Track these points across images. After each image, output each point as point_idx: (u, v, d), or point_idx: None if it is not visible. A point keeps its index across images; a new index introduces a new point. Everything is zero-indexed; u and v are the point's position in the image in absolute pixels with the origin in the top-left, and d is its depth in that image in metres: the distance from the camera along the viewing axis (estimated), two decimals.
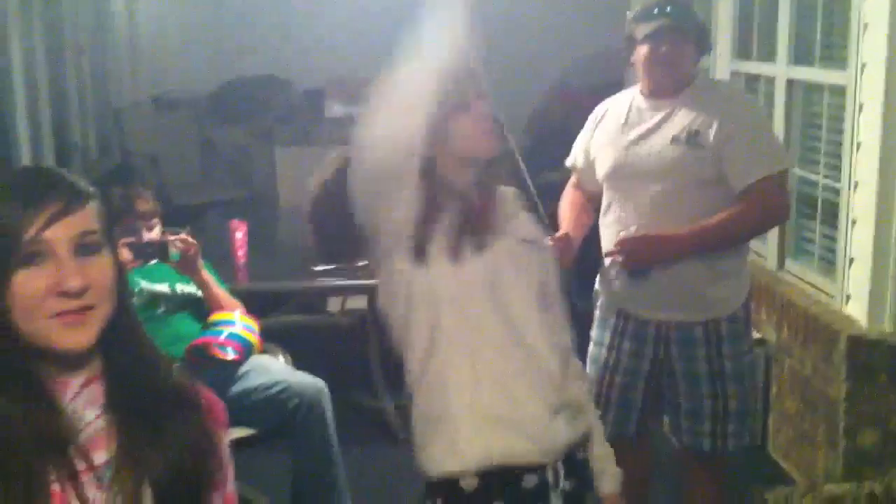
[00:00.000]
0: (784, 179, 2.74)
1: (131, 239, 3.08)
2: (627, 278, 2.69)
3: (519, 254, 1.84)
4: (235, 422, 2.94)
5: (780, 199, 2.71)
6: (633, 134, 2.68)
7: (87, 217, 1.20)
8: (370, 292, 4.04)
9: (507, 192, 1.97)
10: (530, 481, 1.81)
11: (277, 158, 5.50)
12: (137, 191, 3.18)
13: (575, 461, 1.88)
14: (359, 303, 4.27)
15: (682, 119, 2.64)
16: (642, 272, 2.64)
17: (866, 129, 3.26)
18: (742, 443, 2.84)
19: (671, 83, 2.67)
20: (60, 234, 1.17)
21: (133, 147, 6.58)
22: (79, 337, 1.18)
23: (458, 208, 1.81)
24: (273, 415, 3.02)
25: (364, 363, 4.07)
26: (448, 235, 1.79)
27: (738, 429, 2.78)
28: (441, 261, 1.78)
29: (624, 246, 2.62)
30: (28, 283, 1.16)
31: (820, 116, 3.75)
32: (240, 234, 3.92)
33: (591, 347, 2.84)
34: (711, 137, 2.58)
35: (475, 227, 1.81)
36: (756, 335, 3.83)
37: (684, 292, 2.68)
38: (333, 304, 4.46)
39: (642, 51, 2.66)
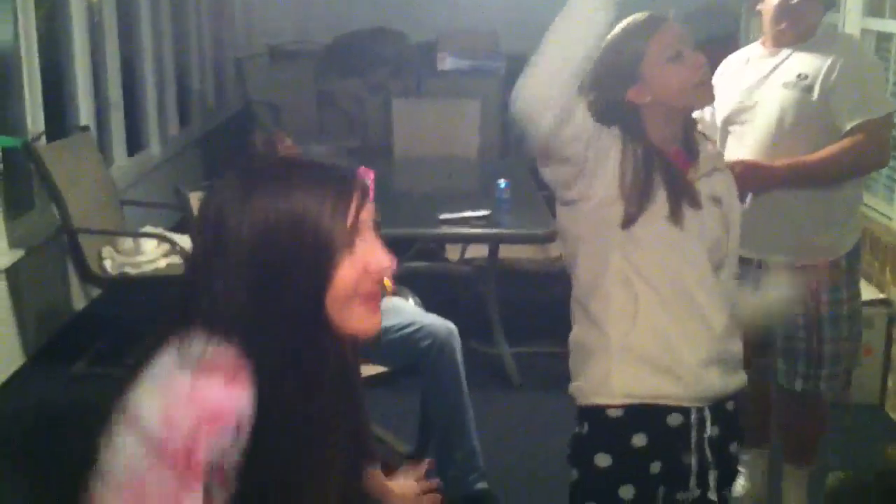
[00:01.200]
0: (887, 124, 2.74)
1: None
2: None
3: (704, 213, 1.91)
4: (371, 360, 3.13)
5: (880, 142, 2.70)
6: (748, 81, 2.74)
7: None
8: (492, 241, 4.15)
9: (708, 146, 2.03)
10: (675, 420, 1.90)
11: (393, 109, 5.60)
12: (280, 135, 3.31)
13: (724, 411, 1.96)
14: (478, 251, 4.36)
15: (794, 65, 2.68)
16: (743, 197, 2.65)
17: None
18: (836, 386, 2.89)
19: (794, 34, 2.70)
20: (366, 217, 1.19)
21: (253, 95, 6.78)
22: (377, 320, 1.21)
23: (667, 166, 1.87)
24: (406, 354, 3.15)
25: (482, 311, 4.18)
26: (659, 194, 1.86)
27: (833, 372, 2.82)
28: (649, 216, 1.86)
29: (743, 170, 2.59)
30: (349, 268, 1.15)
31: None
32: (367, 181, 4.04)
33: None
34: (820, 81, 2.63)
35: (684, 187, 1.87)
36: (880, 295, 3.83)
37: (788, 234, 2.73)
38: (452, 253, 4.57)
39: (770, 2, 2.69)
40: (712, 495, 1.92)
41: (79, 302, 4.79)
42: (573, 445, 1.97)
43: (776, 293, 2.16)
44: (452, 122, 5.52)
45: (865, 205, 3.86)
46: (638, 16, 1.95)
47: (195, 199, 3.45)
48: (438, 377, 3.16)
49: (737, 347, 1.98)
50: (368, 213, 1.18)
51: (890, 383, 3.86)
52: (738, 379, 1.98)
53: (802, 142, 2.67)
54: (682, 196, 1.87)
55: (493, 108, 6.20)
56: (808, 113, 2.65)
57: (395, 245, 3.79)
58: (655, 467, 1.89)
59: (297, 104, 6.50)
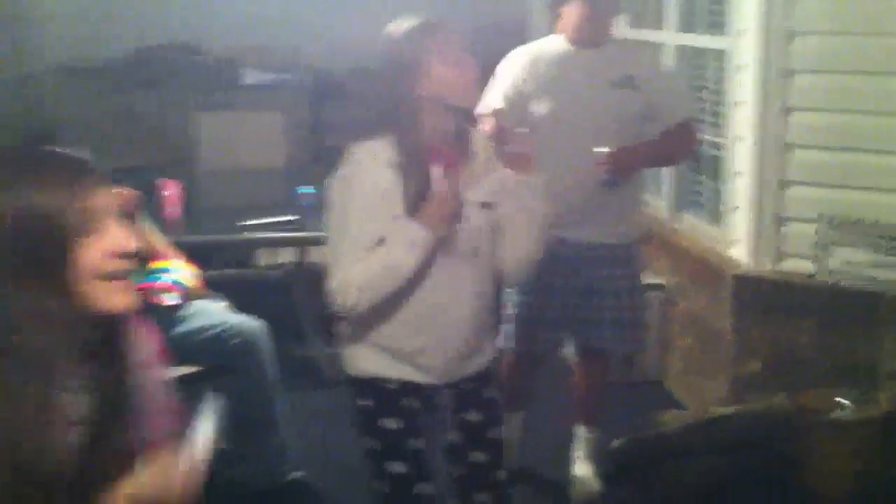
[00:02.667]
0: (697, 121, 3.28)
1: None
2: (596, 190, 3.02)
3: (477, 217, 2.15)
4: (180, 361, 3.20)
5: (698, 135, 3.25)
6: (572, 77, 3.02)
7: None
8: (300, 245, 4.28)
9: (480, 140, 2.24)
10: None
11: (198, 123, 5.64)
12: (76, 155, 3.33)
13: (468, 390, 2.27)
14: (287, 256, 4.49)
15: (613, 66, 3.03)
16: (615, 183, 2.98)
17: (744, 89, 3.64)
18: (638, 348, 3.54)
19: (599, 36, 3.03)
20: (104, 202, 1.27)
21: (47, 114, 6.60)
22: (127, 298, 1.29)
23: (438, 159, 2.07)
24: (216, 353, 3.25)
25: (294, 314, 4.31)
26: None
27: (635, 335, 3.33)
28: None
29: (612, 158, 2.91)
30: (90, 249, 1.24)
31: (705, 79, 4.13)
32: (167, 192, 4.09)
33: None
34: (642, 83, 3.00)
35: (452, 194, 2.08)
36: (653, 280, 4.24)
37: (610, 221, 3.10)
38: (262, 258, 4.68)
39: (574, 11, 3.01)
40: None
41: None
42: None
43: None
44: (256, 134, 5.62)
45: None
46: (415, 18, 2.15)
47: None
48: (248, 374, 3.28)
49: (482, 333, 2.26)
50: (107, 199, 1.26)
51: (667, 361, 4.26)
52: (481, 360, 2.28)
53: (628, 134, 3.03)
54: (445, 211, 2.08)
55: (298, 120, 6.33)
56: (635, 108, 3.02)
57: (202, 254, 3.84)
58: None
59: (95, 120, 6.39)
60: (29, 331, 1.21)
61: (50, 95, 6.62)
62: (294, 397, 3.48)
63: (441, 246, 2.09)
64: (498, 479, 2.30)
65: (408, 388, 2.19)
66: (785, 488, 3.33)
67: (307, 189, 4.27)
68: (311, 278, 4.51)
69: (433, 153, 2.07)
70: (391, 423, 2.18)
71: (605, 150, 2.93)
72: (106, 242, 1.25)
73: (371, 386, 2.20)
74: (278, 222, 4.05)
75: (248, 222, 4.02)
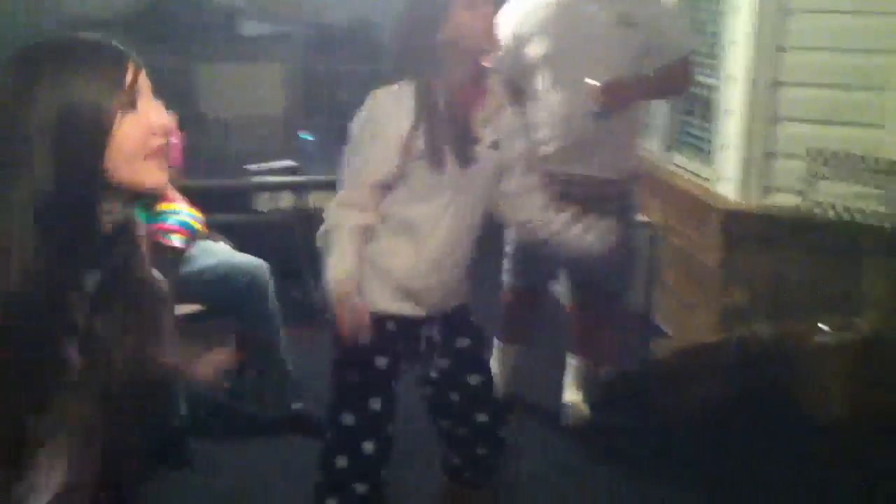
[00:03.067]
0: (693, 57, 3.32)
1: None
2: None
3: (488, 158, 2.22)
4: (187, 300, 3.32)
5: (692, 70, 3.30)
6: (571, 18, 3.10)
7: None
8: (298, 191, 4.39)
9: (496, 84, 2.30)
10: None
11: (198, 74, 5.74)
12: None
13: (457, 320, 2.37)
14: (287, 201, 4.59)
15: (613, 5, 3.08)
16: (605, 115, 3.05)
17: (740, 29, 3.72)
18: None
19: None
20: (142, 84, 1.32)
21: None
22: (164, 176, 1.35)
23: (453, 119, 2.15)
24: (221, 292, 3.36)
25: (293, 257, 4.41)
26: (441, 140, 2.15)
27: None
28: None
29: (603, 89, 2.98)
30: (132, 126, 1.29)
31: (701, 22, 4.20)
32: (174, 140, 4.18)
33: None
34: (640, 20, 3.08)
35: (467, 133, 2.17)
36: (644, 218, 4.34)
37: (609, 156, 3.20)
38: (262, 203, 4.78)
39: None
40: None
41: None
42: None
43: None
44: (255, 85, 5.72)
45: None
46: None
47: None
48: (252, 311, 3.40)
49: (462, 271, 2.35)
50: (145, 81, 1.34)
51: (657, 297, 4.38)
52: (462, 294, 2.38)
53: (627, 73, 3.10)
54: (462, 150, 2.17)
55: (295, 70, 6.41)
56: (635, 47, 3.09)
57: (204, 198, 3.94)
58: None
59: None
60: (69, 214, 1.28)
61: None
62: (292, 336, 3.60)
63: (454, 190, 2.18)
64: (494, 398, 2.41)
65: (402, 322, 2.27)
66: (771, 411, 3.46)
67: (306, 135, 4.37)
68: (310, 222, 4.62)
69: (453, 96, 2.15)
70: (380, 362, 2.26)
71: (596, 82, 3.00)
72: (145, 121, 1.31)
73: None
74: (278, 168, 4.16)
75: (250, 167, 4.13)
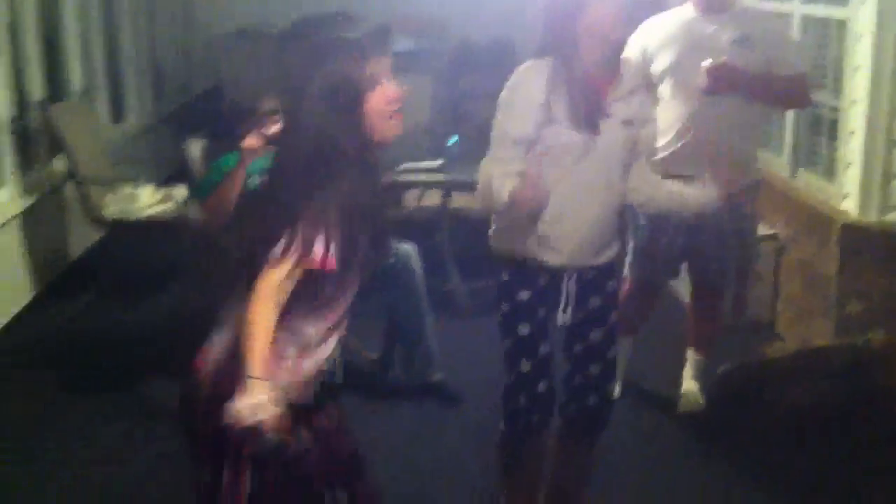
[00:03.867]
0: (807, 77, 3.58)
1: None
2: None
3: (615, 132, 2.57)
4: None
5: (808, 87, 3.54)
6: (694, 37, 3.43)
7: None
8: (445, 188, 4.81)
9: (629, 68, 2.66)
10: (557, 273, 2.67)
11: None
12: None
13: (591, 278, 2.71)
14: (434, 199, 5.02)
15: (734, 28, 3.40)
16: (713, 90, 3.32)
17: (862, 55, 3.96)
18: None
19: (722, 4, 3.43)
20: (383, 68, 1.95)
21: (224, 73, 7.35)
22: (397, 128, 1.97)
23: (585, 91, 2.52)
24: (377, 271, 3.80)
25: (437, 252, 4.83)
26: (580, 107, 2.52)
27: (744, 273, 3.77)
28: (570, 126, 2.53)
29: (716, 67, 3.28)
30: (377, 95, 1.91)
31: (827, 48, 4.44)
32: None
33: None
34: (758, 42, 3.38)
35: (595, 99, 2.54)
36: (768, 231, 4.59)
37: (732, 159, 3.45)
38: (409, 200, 5.24)
39: None
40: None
41: (83, 244, 5.37)
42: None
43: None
44: (406, 96, 6.19)
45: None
46: None
47: (195, 144, 4.04)
48: (403, 289, 3.83)
49: (609, 232, 2.70)
50: (384, 66, 1.92)
51: (779, 306, 4.61)
52: (607, 254, 2.72)
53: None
54: (592, 118, 2.54)
55: (441, 84, 6.89)
56: (752, 65, 3.37)
57: None
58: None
59: (262, 81, 7.07)
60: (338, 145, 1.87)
61: (230, 55, 7.35)
62: (439, 328, 3.99)
63: (583, 154, 2.54)
64: (609, 355, 2.76)
65: (541, 267, 2.64)
66: (878, 415, 3.67)
67: (453, 139, 4.81)
68: (454, 221, 5.06)
69: (587, 72, 2.53)
70: (524, 295, 2.65)
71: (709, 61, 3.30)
72: (384, 93, 1.92)
73: (511, 263, 2.67)
74: (426, 167, 4.60)
75: (405, 166, 4.57)
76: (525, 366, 2.66)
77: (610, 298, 2.74)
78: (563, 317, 2.68)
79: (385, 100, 1.92)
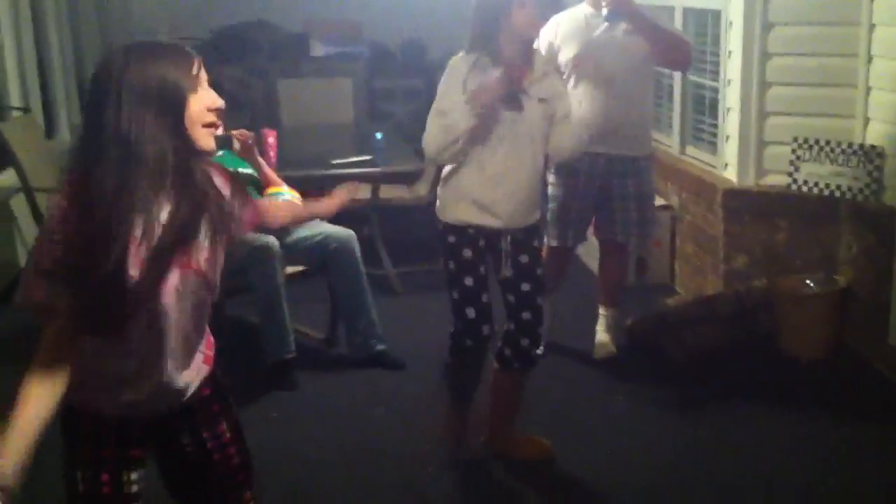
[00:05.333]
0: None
1: None
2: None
3: (535, 108, 3.10)
4: (292, 262, 4.17)
5: (690, 52, 4.08)
6: (595, 30, 3.98)
7: None
8: (374, 181, 5.25)
9: (540, 58, 3.20)
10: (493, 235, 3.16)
11: (279, 88, 6.63)
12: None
13: (521, 238, 3.21)
14: (363, 194, 5.45)
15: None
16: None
17: (734, 41, 4.53)
18: (643, 243, 4.58)
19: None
20: (203, 76, 1.82)
21: None
22: (212, 143, 1.84)
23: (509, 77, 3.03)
24: (318, 255, 4.23)
25: (370, 241, 5.26)
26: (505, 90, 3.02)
27: (643, 232, 4.26)
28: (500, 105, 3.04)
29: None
30: (195, 104, 1.78)
31: (705, 35, 5.02)
32: (271, 140, 5.07)
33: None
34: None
35: (517, 88, 3.06)
36: (663, 202, 5.15)
37: (629, 135, 4.03)
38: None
39: None
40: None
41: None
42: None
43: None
44: (330, 97, 6.60)
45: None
46: None
47: None
48: (343, 269, 4.25)
49: (535, 197, 3.20)
50: (204, 74, 1.84)
51: (676, 267, 5.18)
52: (532, 217, 3.22)
53: (636, 68, 3.98)
54: (515, 97, 3.06)
55: (360, 84, 7.32)
56: (643, 49, 3.93)
57: (296, 186, 4.77)
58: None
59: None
60: (158, 148, 1.77)
61: None
62: (378, 306, 4.41)
63: (508, 129, 3.05)
64: (538, 303, 3.24)
65: (480, 230, 3.13)
66: (765, 351, 4.25)
67: (378, 134, 5.26)
68: (382, 211, 5.49)
69: (508, 63, 3.05)
70: (467, 253, 3.14)
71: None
72: (204, 100, 1.81)
73: (455, 228, 3.15)
74: (358, 160, 5.04)
75: (335, 161, 5.00)
76: (471, 312, 3.15)
77: (535, 255, 3.23)
78: (505, 270, 3.17)
79: (205, 105, 1.81)
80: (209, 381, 2.09)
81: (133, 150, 1.74)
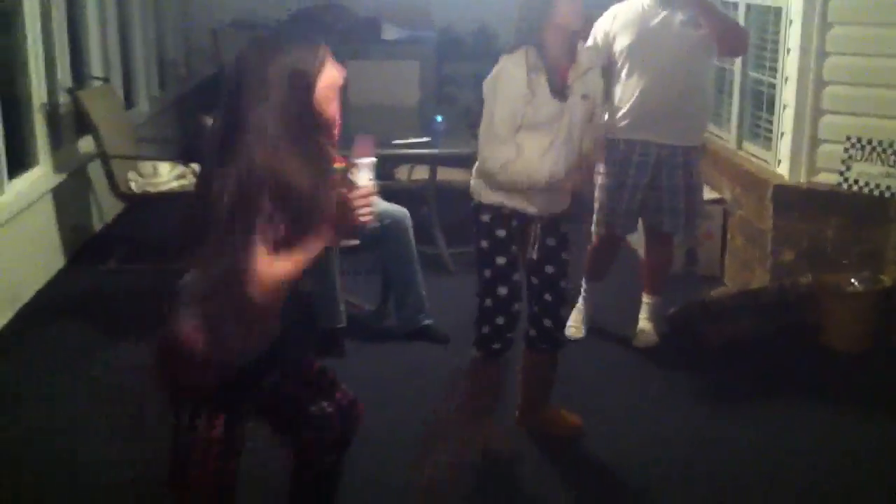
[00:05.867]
0: None
1: None
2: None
3: (576, 104, 3.20)
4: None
5: (748, 40, 4.27)
6: (648, 20, 4.07)
7: None
8: (433, 163, 5.40)
9: (584, 52, 3.29)
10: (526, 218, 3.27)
11: (348, 69, 6.80)
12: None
13: (550, 223, 3.32)
14: (421, 175, 5.62)
15: (682, 12, 4.04)
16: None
17: (793, 39, 4.57)
18: (690, 234, 4.50)
19: None
20: (328, 58, 2.24)
21: (227, 59, 7.90)
22: (336, 108, 2.26)
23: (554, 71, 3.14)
24: (374, 230, 4.38)
25: (426, 221, 5.42)
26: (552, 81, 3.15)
27: (690, 223, 4.29)
28: (544, 93, 3.14)
29: None
30: (323, 81, 2.18)
31: (766, 31, 5.06)
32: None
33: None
34: (703, 21, 4.03)
35: (560, 78, 3.16)
36: (717, 195, 5.21)
37: (678, 124, 4.10)
38: (401, 173, 5.83)
39: None
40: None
41: (107, 216, 5.97)
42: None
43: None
44: (396, 79, 6.77)
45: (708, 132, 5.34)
46: None
47: (209, 120, 4.62)
48: (396, 245, 4.42)
49: (573, 185, 3.30)
50: (328, 56, 2.21)
51: (726, 260, 5.23)
52: (565, 205, 3.33)
53: (693, 59, 4.07)
54: (562, 90, 3.16)
55: (428, 68, 7.47)
56: (698, 40, 4.03)
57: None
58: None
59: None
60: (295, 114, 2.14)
61: (229, 44, 7.91)
62: (427, 282, 4.57)
63: (555, 127, 3.15)
64: (561, 286, 3.36)
65: (514, 212, 3.24)
66: (806, 344, 4.30)
67: (438, 117, 5.41)
68: (439, 192, 5.64)
69: (555, 59, 3.15)
70: (501, 233, 3.25)
71: None
72: (328, 79, 2.20)
73: (490, 208, 3.26)
74: (417, 142, 5.19)
75: (396, 141, 5.16)
76: (503, 290, 3.27)
77: (562, 240, 3.34)
78: (532, 252, 3.30)
79: (329, 84, 2.18)
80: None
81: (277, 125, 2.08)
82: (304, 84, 2.14)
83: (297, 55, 2.15)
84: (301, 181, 2.10)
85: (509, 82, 3.13)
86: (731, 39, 4.13)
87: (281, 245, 2.10)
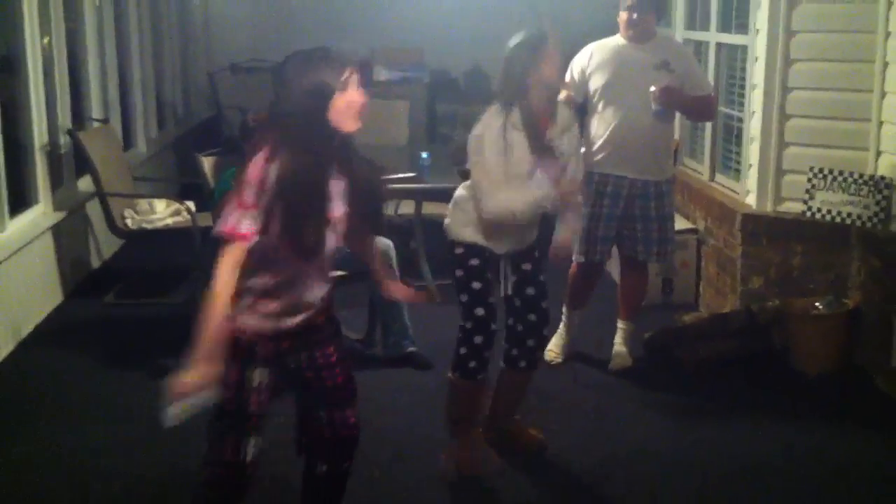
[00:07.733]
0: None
1: None
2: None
3: (552, 160, 3.39)
4: (335, 269, 4.53)
5: (716, 106, 4.44)
6: (623, 60, 4.30)
7: None
8: (418, 197, 5.61)
9: (563, 111, 3.49)
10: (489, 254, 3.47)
11: None
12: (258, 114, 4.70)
13: (523, 251, 3.52)
14: (407, 209, 5.83)
15: (655, 54, 4.27)
16: (663, 112, 4.23)
17: (758, 75, 4.80)
18: (663, 260, 4.71)
19: (643, 34, 4.31)
20: (353, 78, 2.49)
21: (222, 102, 8.16)
22: (355, 126, 2.53)
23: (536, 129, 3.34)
24: (357, 262, 4.57)
25: (412, 254, 5.62)
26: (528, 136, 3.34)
27: (662, 250, 4.50)
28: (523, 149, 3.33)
29: (662, 91, 4.16)
30: (342, 99, 2.45)
31: (735, 69, 5.29)
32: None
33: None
34: (675, 66, 4.26)
35: (541, 135, 3.36)
36: (690, 226, 5.42)
37: (650, 161, 4.33)
38: (389, 208, 6.04)
39: (623, 15, 4.31)
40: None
41: (105, 252, 6.18)
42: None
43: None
44: (387, 118, 7.00)
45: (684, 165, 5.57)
46: (532, 35, 3.37)
47: (206, 160, 4.85)
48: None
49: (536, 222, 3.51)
50: (355, 77, 2.50)
51: (700, 288, 5.43)
52: (532, 237, 3.53)
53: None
54: (541, 146, 3.37)
55: (420, 109, 7.73)
56: (670, 79, 4.23)
57: None
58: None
59: (260, 107, 7.90)
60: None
61: (234, 84, 8.18)
62: (411, 312, 4.77)
63: (528, 175, 3.34)
64: (543, 306, 3.55)
65: (485, 248, 3.43)
66: (775, 366, 4.48)
67: (424, 154, 5.64)
68: (426, 226, 5.83)
69: (535, 115, 3.35)
70: (474, 261, 3.44)
71: (656, 87, 4.16)
72: (348, 97, 2.48)
73: (465, 244, 3.45)
74: (402, 177, 5.41)
75: (384, 176, 5.37)
76: (479, 311, 3.46)
77: (536, 263, 3.54)
78: (503, 288, 3.50)
79: (349, 102, 2.47)
80: (325, 311, 2.69)
81: (310, 129, 2.45)
82: (324, 95, 2.44)
83: (325, 71, 2.46)
84: (305, 178, 2.42)
85: (492, 142, 3.32)
86: (697, 116, 4.53)
87: (279, 233, 2.40)
